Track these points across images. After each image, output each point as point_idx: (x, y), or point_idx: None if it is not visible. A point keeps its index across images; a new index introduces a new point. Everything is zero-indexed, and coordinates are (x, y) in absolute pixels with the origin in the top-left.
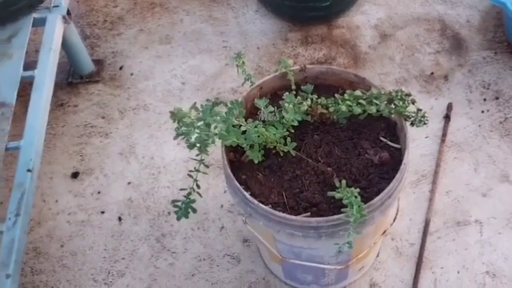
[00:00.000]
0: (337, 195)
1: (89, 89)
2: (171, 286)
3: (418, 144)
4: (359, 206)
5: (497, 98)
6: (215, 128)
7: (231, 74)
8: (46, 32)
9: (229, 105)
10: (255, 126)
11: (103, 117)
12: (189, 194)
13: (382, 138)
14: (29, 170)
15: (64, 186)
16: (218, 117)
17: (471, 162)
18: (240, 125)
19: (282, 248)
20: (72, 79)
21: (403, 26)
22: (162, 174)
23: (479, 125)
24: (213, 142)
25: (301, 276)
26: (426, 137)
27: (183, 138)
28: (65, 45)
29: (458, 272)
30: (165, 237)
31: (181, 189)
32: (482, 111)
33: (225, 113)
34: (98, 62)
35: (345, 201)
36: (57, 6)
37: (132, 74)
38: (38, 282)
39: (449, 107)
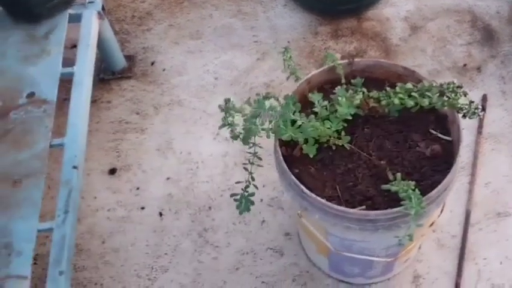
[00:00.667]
0: (393, 188)
1: (121, 85)
2: (216, 280)
3: (462, 133)
4: (418, 199)
5: None
6: (270, 122)
7: (263, 68)
8: (82, 28)
9: (285, 100)
10: (309, 121)
11: (137, 113)
12: (247, 187)
13: (432, 131)
14: (74, 167)
15: (102, 182)
16: (274, 112)
17: (508, 153)
18: (295, 120)
19: (334, 241)
20: (104, 75)
21: (433, 17)
22: (200, 169)
23: None
24: (268, 136)
25: (348, 268)
26: (463, 129)
27: (228, 128)
28: (99, 41)
29: (501, 263)
30: (207, 231)
31: (237, 182)
32: None
33: (281, 107)
34: (129, 58)
35: (402, 195)
36: (92, 2)
37: (164, 70)
38: (82, 278)
39: (484, 98)
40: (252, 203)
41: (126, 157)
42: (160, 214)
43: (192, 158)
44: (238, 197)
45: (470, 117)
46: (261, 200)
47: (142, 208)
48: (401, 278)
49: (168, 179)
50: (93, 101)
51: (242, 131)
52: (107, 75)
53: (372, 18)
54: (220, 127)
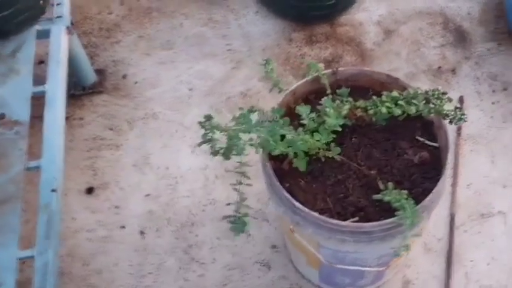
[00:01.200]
0: (386, 198)
1: (93, 100)
2: None
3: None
4: (413, 209)
5: (505, 89)
6: (258, 137)
7: (239, 77)
8: (52, 44)
9: (272, 114)
10: (298, 134)
11: (111, 129)
12: (239, 208)
13: (419, 138)
14: (53, 190)
15: (80, 202)
16: (262, 129)
17: (488, 154)
18: (283, 135)
19: (326, 254)
20: (74, 91)
21: (406, 21)
22: (180, 184)
23: (492, 117)
24: (257, 152)
25: (339, 279)
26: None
27: (209, 145)
28: (68, 56)
29: (488, 264)
30: (191, 248)
31: (228, 204)
32: (493, 103)
33: (269, 121)
34: (100, 72)
35: (395, 205)
36: (60, 16)
37: (136, 83)
38: None
39: (461, 100)
40: (246, 223)
41: (103, 175)
42: (142, 232)
43: (170, 173)
44: (231, 219)
45: (456, 123)
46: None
47: (123, 227)
48: (392, 284)
49: (147, 195)
50: (65, 118)
51: (223, 146)
52: (77, 90)
53: (345, 23)
54: (200, 144)
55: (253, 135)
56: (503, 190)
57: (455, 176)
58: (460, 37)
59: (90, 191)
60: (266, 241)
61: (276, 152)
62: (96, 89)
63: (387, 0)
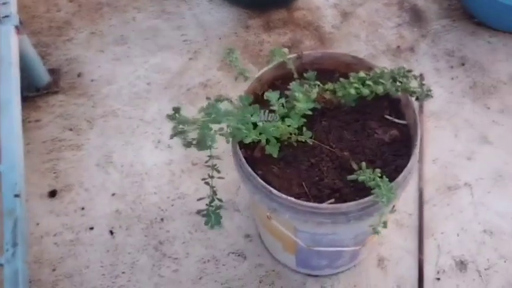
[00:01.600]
0: (360, 178)
1: (48, 101)
2: None
3: (417, 117)
4: (387, 186)
5: (463, 64)
6: (227, 126)
7: (197, 68)
8: (1, 45)
9: (240, 102)
10: (269, 121)
11: (71, 129)
12: (212, 201)
13: (387, 117)
14: (16, 195)
15: (43, 207)
16: (233, 117)
17: (451, 128)
18: (254, 122)
19: (303, 237)
20: (27, 93)
21: (362, 2)
22: (145, 181)
23: (451, 92)
24: (228, 142)
25: (316, 262)
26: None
27: (181, 137)
28: (19, 57)
29: (458, 235)
30: (163, 244)
31: (199, 199)
32: (452, 78)
33: (238, 109)
34: (53, 72)
35: (370, 183)
36: (7, 16)
37: (92, 80)
38: None
39: (421, 77)
40: (220, 216)
41: (66, 177)
42: (111, 232)
43: (135, 170)
44: (205, 213)
45: (423, 100)
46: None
47: (91, 228)
48: (367, 262)
49: (113, 194)
50: (21, 121)
51: (194, 138)
52: (31, 92)
53: (302, 7)
54: (172, 136)
55: (223, 125)
56: (467, 162)
57: (421, 152)
58: (415, 16)
59: (53, 194)
60: (239, 231)
61: (248, 140)
62: (51, 89)
63: None
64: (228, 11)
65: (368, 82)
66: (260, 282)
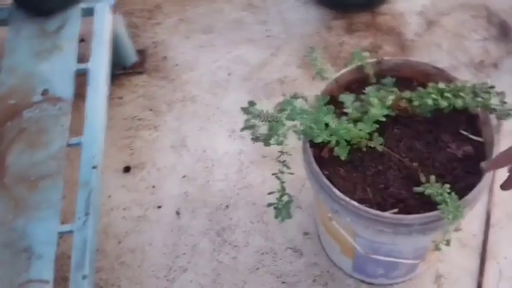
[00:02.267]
0: (427, 191)
1: (132, 80)
2: (236, 280)
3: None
4: (455, 203)
5: None
6: (300, 124)
7: (277, 63)
8: (96, 22)
9: (316, 101)
10: (342, 123)
11: (150, 110)
12: (282, 195)
13: (463, 132)
14: (94, 167)
15: (116, 181)
16: (307, 116)
17: None
18: (327, 122)
19: (362, 243)
20: (114, 70)
21: (448, 12)
22: (215, 167)
23: None
24: (299, 139)
25: (372, 269)
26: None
27: (251, 131)
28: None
29: None
30: (225, 231)
31: (269, 193)
32: None
33: (313, 108)
34: (141, 53)
35: (437, 198)
36: None
37: (176, 65)
38: (98, 280)
39: (502, 95)
40: (291, 211)
41: (140, 155)
42: (178, 213)
43: (207, 156)
44: (276, 206)
45: (504, 119)
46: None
47: (159, 207)
48: (424, 277)
49: (183, 177)
50: None
51: (264, 133)
52: (118, 70)
53: (386, 12)
54: (242, 129)
55: (297, 122)
56: None
57: (493, 173)
58: (503, 31)
59: (127, 169)
60: (299, 227)
61: (319, 140)
62: (136, 70)
63: None
64: (313, 10)
65: (447, 94)
66: (314, 281)
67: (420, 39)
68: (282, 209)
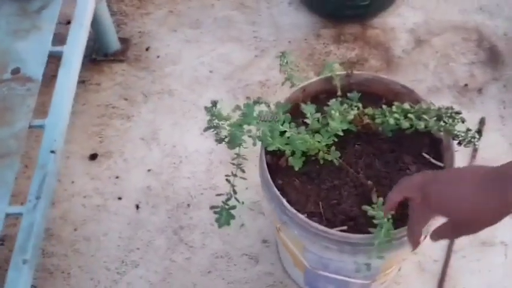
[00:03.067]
0: (370, 212)
1: (112, 68)
2: (186, 282)
3: (454, 160)
4: (388, 231)
5: None
6: (257, 130)
7: (260, 66)
8: (78, 6)
9: (276, 108)
10: (299, 133)
11: (126, 99)
12: (228, 199)
13: (425, 155)
14: (52, 152)
15: (81, 167)
16: (263, 122)
17: None
18: (284, 131)
19: (311, 258)
20: (96, 56)
21: (439, 32)
22: (183, 164)
23: (511, 144)
24: (254, 144)
25: (323, 285)
26: (456, 151)
27: (213, 132)
28: (94, 20)
29: None
30: (183, 230)
31: (217, 195)
32: None
33: (271, 117)
34: (124, 41)
35: (376, 221)
36: None
37: (158, 57)
38: (49, 265)
39: (482, 121)
40: (233, 217)
41: (109, 144)
42: (137, 206)
43: (176, 152)
44: (218, 209)
45: (465, 146)
46: (242, 203)
47: (120, 198)
48: None
49: (149, 170)
50: (82, 82)
51: (228, 135)
52: (99, 56)
53: (376, 26)
54: (206, 129)
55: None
56: (509, 221)
57: None
58: (492, 57)
59: (93, 157)
60: (259, 234)
61: (272, 148)
62: (117, 57)
63: (424, 8)
64: (305, 17)
65: (410, 115)
66: None
67: (407, 56)
68: (223, 213)
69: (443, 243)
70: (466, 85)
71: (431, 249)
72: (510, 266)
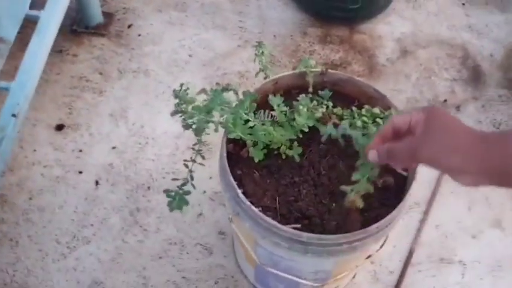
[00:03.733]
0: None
1: (92, 41)
2: (136, 264)
3: (417, 170)
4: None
5: None
6: (221, 116)
7: (241, 56)
8: None
9: (241, 97)
10: (263, 124)
11: (101, 73)
12: (183, 184)
13: None
14: (13, 115)
15: (46, 136)
16: (227, 108)
17: (467, 200)
18: (248, 120)
19: (261, 253)
20: (77, 27)
21: (426, 45)
22: (149, 146)
23: None
24: (216, 130)
25: (273, 284)
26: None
27: (181, 117)
28: None
29: None
30: (139, 212)
31: (173, 179)
32: None
33: (235, 105)
34: (108, 16)
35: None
36: None
37: (139, 35)
38: None
39: None
40: (187, 202)
41: (77, 116)
42: (97, 183)
43: (143, 132)
44: (172, 193)
45: None
46: (204, 192)
47: (80, 172)
48: None
49: (113, 148)
50: (59, 51)
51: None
52: (80, 27)
53: (364, 32)
54: (173, 114)
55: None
56: (470, 240)
57: (426, 212)
58: (475, 76)
59: (60, 128)
60: (216, 225)
61: (233, 136)
62: (98, 31)
63: (413, 20)
64: (292, 13)
65: (379, 120)
66: (215, 283)
67: (391, 65)
68: (176, 197)
69: (402, 255)
70: (445, 101)
71: (388, 260)
72: (465, 287)
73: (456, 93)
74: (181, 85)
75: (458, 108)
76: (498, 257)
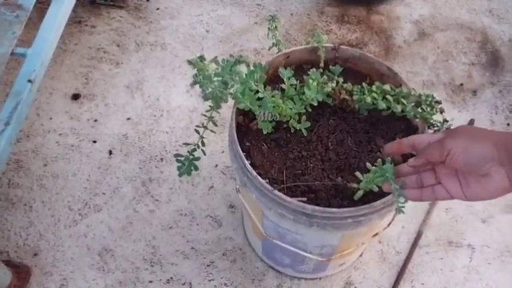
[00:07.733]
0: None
1: (111, 12)
2: (146, 233)
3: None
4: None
5: None
6: (231, 87)
7: (258, 33)
8: None
9: (252, 68)
10: (273, 96)
11: (118, 45)
12: (194, 150)
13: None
14: (29, 81)
15: (62, 105)
16: (237, 78)
17: None
18: (258, 91)
19: (268, 226)
20: None
21: (444, 28)
22: (163, 118)
23: None
24: (226, 101)
25: (279, 257)
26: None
27: (200, 88)
28: None
29: None
30: (151, 182)
31: (184, 144)
32: None
33: (245, 74)
34: None
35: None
36: None
37: (158, 9)
38: (13, 195)
39: (471, 122)
40: (196, 167)
41: (94, 86)
42: (110, 152)
43: (159, 105)
44: (182, 158)
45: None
46: (216, 166)
47: (94, 141)
48: (333, 280)
49: (128, 119)
50: (78, 22)
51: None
52: None
53: (382, 12)
54: (192, 84)
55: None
56: (481, 224)
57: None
58: (493, 61)
59: (76, 97)
60: (226, 199)
61: (242, 106)
62: (117, 3)
63: (433, 2)
64: None
65: (389, 97)
66: (223, 254)
67: (408, 47)
68: (185, 162)
69: (411, 236)
70: (461, 84)
71: (396, 240)
72: (473, 270)
73: (473, 77)
74: (200, 57)
75: (474, 92)
76: (508, 242)
